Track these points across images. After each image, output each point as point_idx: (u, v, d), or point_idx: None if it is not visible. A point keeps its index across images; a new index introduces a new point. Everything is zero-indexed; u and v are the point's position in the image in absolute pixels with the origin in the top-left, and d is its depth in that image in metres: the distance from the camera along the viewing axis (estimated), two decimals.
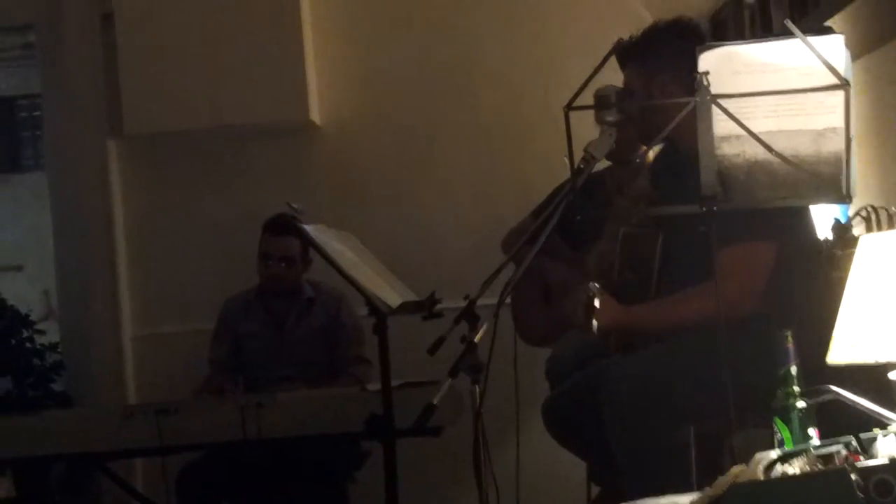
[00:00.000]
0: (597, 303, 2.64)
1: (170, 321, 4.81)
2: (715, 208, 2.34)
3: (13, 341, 4.80)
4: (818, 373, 2.14)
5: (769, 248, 2.63)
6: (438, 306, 2.99)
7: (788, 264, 2.64)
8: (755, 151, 2.33)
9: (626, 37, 2.81)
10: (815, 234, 2.86)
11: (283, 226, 4.03)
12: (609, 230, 3.13)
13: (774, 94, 2.31)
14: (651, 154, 3.14)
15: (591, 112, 2.63)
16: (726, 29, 4.33)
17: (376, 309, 2.95)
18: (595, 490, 3.44)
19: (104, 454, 3.52)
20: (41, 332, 4.93)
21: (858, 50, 3.14)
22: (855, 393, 2.04)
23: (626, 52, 2.84)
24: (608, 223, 3.21)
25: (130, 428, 3.35)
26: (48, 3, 4.87)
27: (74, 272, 4.88)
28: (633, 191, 3.28)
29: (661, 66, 2.75)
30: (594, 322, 2.63)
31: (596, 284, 2.69)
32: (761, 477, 1.81)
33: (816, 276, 2.70)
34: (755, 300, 2.59)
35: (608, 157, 2.89)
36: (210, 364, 4.29)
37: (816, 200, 2.56)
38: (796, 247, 2.68)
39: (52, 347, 4.89)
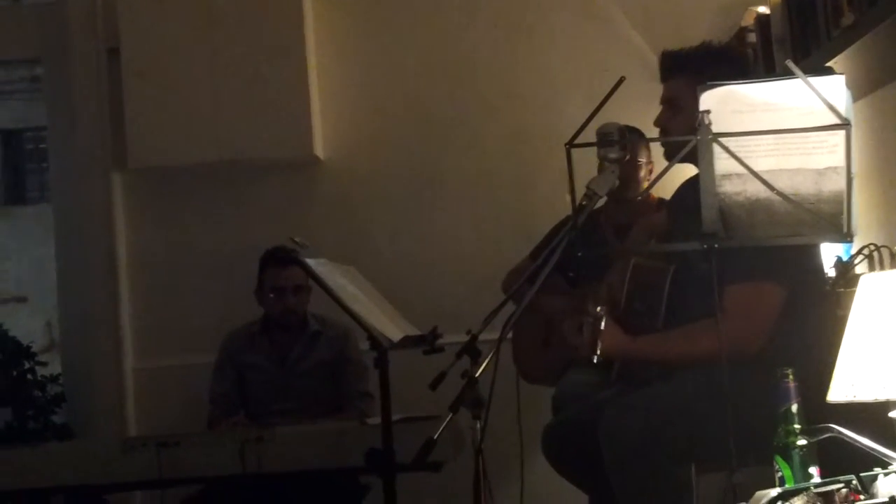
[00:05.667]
0: (603, 325, 2.64)
1: (172, 353, 4.80)
2: (716, 246, 2.35)
3: (14, 373, 4.78)
4: (820, 411, 2.13)
5: (779, 291, 2.61)
6: (440, 341, 2.99)
7: (793, 303, 2.63)
8: (756, 190, 2.33)
9: (629, 75, 2.78)
10: (822, 272, 2.84)
11: (286, 257, 4.04)
12: (617, 263, 3.13)
13: (776, 132, 2.32)
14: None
15: (594, 149, 2.64)
16: None
17: (377, 343, 2.94)
18: None
19: (104, 486, 3.50)
20: (43, 364, 4.91)
21: (860, 91, 3.15)
22: (856, 432, 2.04)
23: (676, 64, 2.82)
24: (616, 257, 3.21)
25: (131, 460, 3.34)
26: (55, 37, 4.91)
27: (77, 304, 4.89)
28: (648, 223, 3.29)
29: None
30: (598, 345, 2.63)
31: (604, 308, 2.69)
32: None
33: (819, 315, 2.69)
34: (762, 340, 2.58)
35: (610, 195, 2.90)
36: (211, 401, 4.25)
37: (817, 239, 2.56)
38: (803, 286, 2.67)
39: (54, 379, 4.87)
